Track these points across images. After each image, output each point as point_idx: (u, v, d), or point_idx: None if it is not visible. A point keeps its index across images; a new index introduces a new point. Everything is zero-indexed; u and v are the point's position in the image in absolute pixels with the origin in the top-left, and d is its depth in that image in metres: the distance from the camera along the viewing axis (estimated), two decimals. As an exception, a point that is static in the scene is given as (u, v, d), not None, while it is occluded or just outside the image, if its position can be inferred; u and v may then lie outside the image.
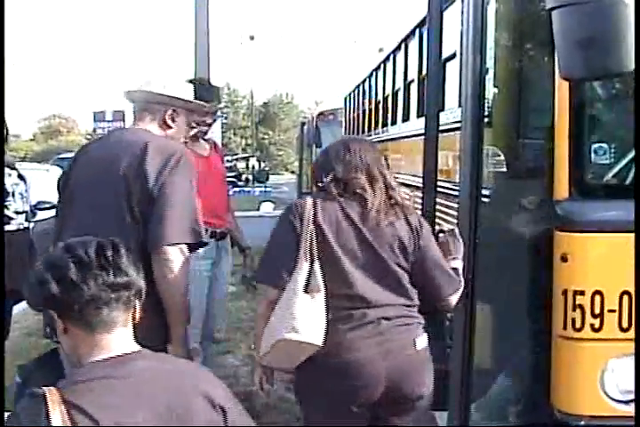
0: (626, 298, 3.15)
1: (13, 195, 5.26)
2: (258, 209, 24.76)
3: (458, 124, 3.65)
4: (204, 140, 4.83)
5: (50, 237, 3.43)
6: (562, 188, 3.22)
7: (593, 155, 3.23)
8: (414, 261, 3.10)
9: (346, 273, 3.04)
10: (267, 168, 49.49)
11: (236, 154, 52.13)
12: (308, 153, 25.74)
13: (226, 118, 77.55)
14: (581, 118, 3.22)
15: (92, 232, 2.52)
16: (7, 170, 5.16)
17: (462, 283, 3.23)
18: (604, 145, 3.23)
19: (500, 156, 3.66)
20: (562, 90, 3.15)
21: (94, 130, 36.65)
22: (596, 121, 3.38)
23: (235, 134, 77.40)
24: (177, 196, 3.24)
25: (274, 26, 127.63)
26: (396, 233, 3.07)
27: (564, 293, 3.19)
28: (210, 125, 4.75)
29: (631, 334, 3.16)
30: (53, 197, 3.81)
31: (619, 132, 3.37)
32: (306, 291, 2.99)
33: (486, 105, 3.64)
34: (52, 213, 3.87)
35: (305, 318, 2.96)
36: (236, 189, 34.94)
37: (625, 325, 3.16)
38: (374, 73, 10.04)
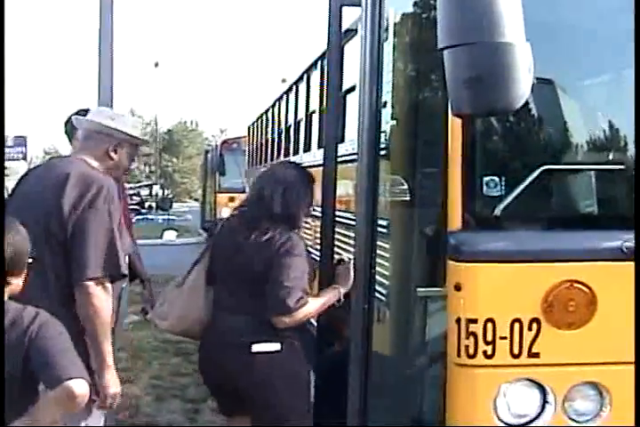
0: (516, 325, 3.25)
1: None
2: (161, 237, 24.53)
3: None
4: None
5: None
6: (455, 218, 3.32)
7: (485, 187, 3.34)
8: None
9: None
10: (170, 196, 49.06)
11: (140, 181, 51.49)
12: (211, 181, 25.68)
13: (129, 145, 76.42)
14: (473, 152, 3.33)
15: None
16: None
17: (295, 311, 3.52)
18: (496, 178, 3.34)
19: (403, 185, 3.74)
20: (454, 124, 3.26)
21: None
22: (488, 154, 3.49)
23: (138, 161, 76.35)
24: (93, 230, 3.22)
25: (179, 53, 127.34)
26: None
27: (458, 321, 3.28)
28: None
29: (522, 360, 3.26)
30: None
31: (510, 166, 3.49)
32: None
33: (384, 136, 3.75)
34: None
35: None
36: (139, 216, 34.57)
37: (516, 351, 3.26)
38: (277, 103, 10.11)
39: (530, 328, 3.26)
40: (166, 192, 49.53)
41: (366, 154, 3.46)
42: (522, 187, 3.30)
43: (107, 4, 4.40)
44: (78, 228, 3.23)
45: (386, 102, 3.76)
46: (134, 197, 38.48)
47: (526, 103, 2.75)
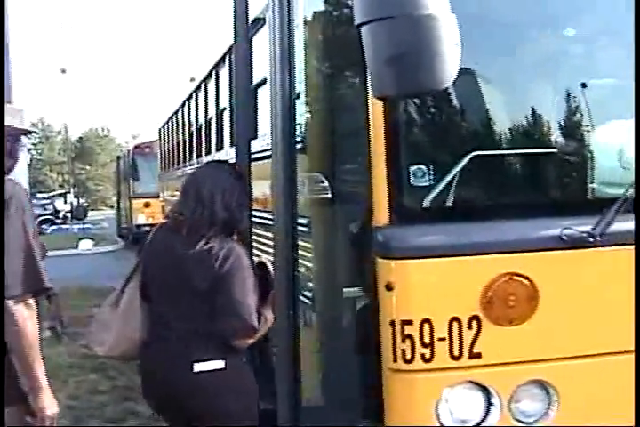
0: (455, 325, 3.03)
1: None
2: (76, 247, 23.96)
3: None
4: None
5: None
6: (381, 213, 3.08)
7: (412, 177, 3.10)
8: None
9: None
10: (85, 204, 48.26)
11: (53, 190, 50.46)
12: (125, 187, 25.20)
13: (40, 154, 75.34)
14: (397, 138, 3.09)
15: None
16: None
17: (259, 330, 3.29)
18: (423, 167, 3.10)
19: (323, 182, 3.49)
20: (376, 110, 3.01)
21: None
22: (413, 141, 3.25)
23: (51, 170, 75.18)
24: (9, 244, 2.95)
25: (85, 58, 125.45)
26: None
27: (392, 323, 3.03)
28: None
29: (463, 362, 3.04)
30: None
31: (438, 153, 3.26)
32: None
33: (299, 130, 3.51)
34: None
35: None
36: (54, 226, 33.82)
37: (456, 352, 3.03)
38: (187, 103, 9.85)
39: (469, 327, 3.05)
40: (81, 201, 48.71)
41: (280, 149, 3.24)
42: (451, 175, 3.08)
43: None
44: None
45: (299, 93, 3.51)
46: (47, 207, 37.74)
47: (453, 83, 2.50)
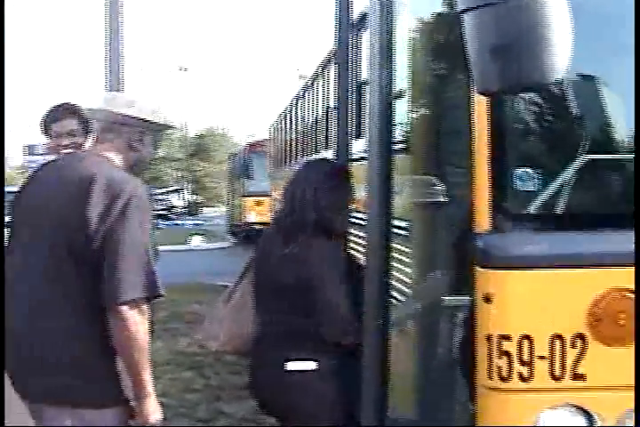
0: (558, 342, 2.79)
1: None
2: (187, 243, 24.28)
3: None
4: None
5: None
6: (482, 218, 2.85)
7: (517, 181, 2.87)
8: None
9: None
10: (200, 201, 49.02)
11: (166, 187, 51.37)
12: (238, 185, 25.34)
13: (159, 151, 76.91)
14: (502, 140, 2.86)
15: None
16: None
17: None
18: (530, 170, 2.86)
19: (435, 185, 3.32)
20: (480, 108, 2.80)
21: (24, 165, 35.37)
22: (520, 143, 3.01)
23: (169, 167, 76.55)
24: (125, 245, 2.84)
25: (203, 57, 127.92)
26: None
27: (489, 338, 2.81)
28: None
29: (565, 383, 2.79)
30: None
31: (546, 156, 3.02)
32: None
33: (402, 130, 3.40)
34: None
35: None
36: (168, 222, 34.41)
37: (557, 372, 2.79)
38: (296, 101, 9.75)
39: (573, 346, 2.79)
40: (196, 197, 49.55)
41: (376, 150, 3.06)
42: (561, 180, 2.83)
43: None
44: (107, 243, 2.84)
45: (402, 92, 3.36)
46: (162, 203, 38.47)
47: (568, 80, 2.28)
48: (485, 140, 2.83)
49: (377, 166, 3.03)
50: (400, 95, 3.42)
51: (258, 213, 21.59)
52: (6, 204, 4.15)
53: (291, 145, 10.78)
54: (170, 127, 3.39)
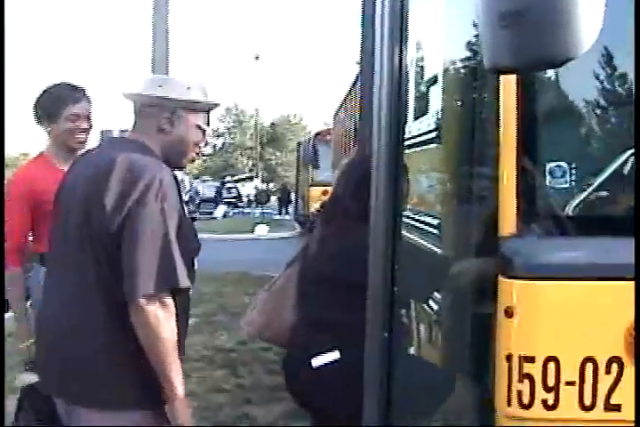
0: (589, 367, 2.40)
1: None
2: (252, 231, 24.24)
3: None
4: None
5: None
6: (507, 220, 2.47)
7: (548, 177, 2.49)
8: None
9: None
10: (273, 189, 49.20)
11: (235, 175, 51.65)
12: (305, 174, 25.15)
13: (233, 139, 77.51)
14: (533, 128, 2.48)
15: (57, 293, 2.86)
16: None
17: None
18: (564, 164, 2.48)
19: (464, 180, 2.99)
20: (507, 88, 2.42)
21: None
22: (553, 132, 2.62)
23: (241, 155, 77.17)
24: (143, 234, 2.70)
25: (279, 46, 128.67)
26: None
27: (509, 358, 2.43)
28: None
29: (596, 414, 2.41)
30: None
31: (585, 148, 2.63)
32: None
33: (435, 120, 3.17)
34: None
35: None
36: (236, 210, 34.52)
37: (587, 402, 2.40)
38: (352, 87, 9.45)
39: (608, 371, 2.40)
40: (269, 186, 49.84)
41: (384, 141, 2.71)
42: (601, 177, 2.45)
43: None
44: (124, 231, 2.71)
45: (435, 79, 3.13)
46: (232, 191, 38.71)
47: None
48: (513, 128, 2.45)
49: (384, 160, 2.70)
50: (434, 82, 3.16)
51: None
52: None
53: (350, 133, 10.51)
54: (213, 105, 3.14)
